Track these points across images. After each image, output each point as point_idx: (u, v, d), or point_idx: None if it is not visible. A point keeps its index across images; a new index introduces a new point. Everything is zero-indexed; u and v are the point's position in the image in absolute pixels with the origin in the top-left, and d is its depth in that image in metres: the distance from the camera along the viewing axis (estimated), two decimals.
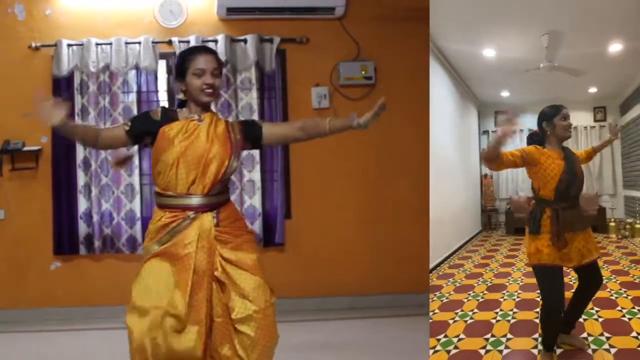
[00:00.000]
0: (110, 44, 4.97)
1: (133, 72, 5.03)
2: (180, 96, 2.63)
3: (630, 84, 7.23)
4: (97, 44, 4.96)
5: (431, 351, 3.41)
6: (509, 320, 3.87)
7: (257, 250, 2.66)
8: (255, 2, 4.99)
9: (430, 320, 3.94)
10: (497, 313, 4.05)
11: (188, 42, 4.98)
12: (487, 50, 5.83)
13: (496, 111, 8.80)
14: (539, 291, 3.07)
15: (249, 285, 2.53)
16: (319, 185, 5.26)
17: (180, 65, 2.59)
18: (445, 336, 3.61)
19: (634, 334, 3.44)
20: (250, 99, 5.11)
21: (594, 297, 3.21)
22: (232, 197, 4.90)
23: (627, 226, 7.17)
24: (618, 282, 4.71)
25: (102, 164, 5.01)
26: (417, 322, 4.44)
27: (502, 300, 4.39)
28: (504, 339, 3.51)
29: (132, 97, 5.04)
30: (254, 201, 5.10)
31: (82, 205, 5.01)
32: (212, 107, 2.72)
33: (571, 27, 4.97)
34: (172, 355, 2.48)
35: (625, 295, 4.30)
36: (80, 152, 4.99)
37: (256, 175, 5.11)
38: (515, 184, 8.53)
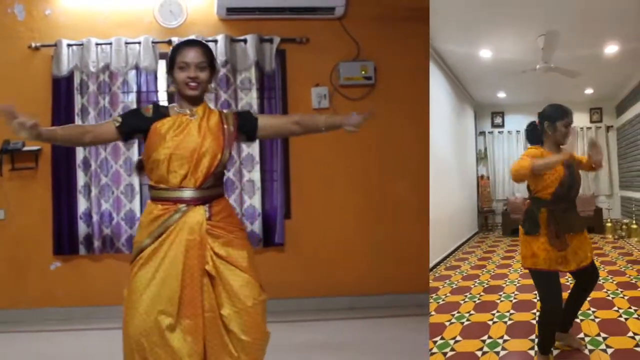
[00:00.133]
0: (110, 44, 4.97)
1: (133, 72, 5.03)
2: (171, 89, 2.63)
3: (626, 85, 7.25)
4: (97, 44, 4.96)
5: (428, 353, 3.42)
6: (505, 322, 3.87)
7: (249, 247, 2.62)
8: (255, 2, 4.99)
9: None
10: (493, 314, 4.05)
11: None
12: (484, 51, 5.83)
13: (492, 112, 8.84)
14: (535, 292, 3.07)
15: (236, 283, 2.50)
16: (318, 185, 5.27)
17: (169, 59, 2.59)
18: (442, 338, 3.61)
19: (630, 334, 3.47)
20: (250, 99, 5.12)
21: (590, 298, 3.22)
22: (232, 197, 4.99)
23: (624, 227, 7.20)
24: (615, 282, 4.73)
25: (102, 164, 5.01)
26: (417, 322, 4.44)
27: (498, 301, 4.39)
28: (500, 341, 3.51)
29: (132, 97, 5.04)
30: (254, 201, 5.12)
31: (82, 205, 5.01)
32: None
33: (567, 29, 4.97)
34: (170, 352, 2.46)
35: (621, 295, 4.32)
36: (80, 152, 4.99)
37: (256, 175, 5.12)
38: (511, 185, 8.45)
